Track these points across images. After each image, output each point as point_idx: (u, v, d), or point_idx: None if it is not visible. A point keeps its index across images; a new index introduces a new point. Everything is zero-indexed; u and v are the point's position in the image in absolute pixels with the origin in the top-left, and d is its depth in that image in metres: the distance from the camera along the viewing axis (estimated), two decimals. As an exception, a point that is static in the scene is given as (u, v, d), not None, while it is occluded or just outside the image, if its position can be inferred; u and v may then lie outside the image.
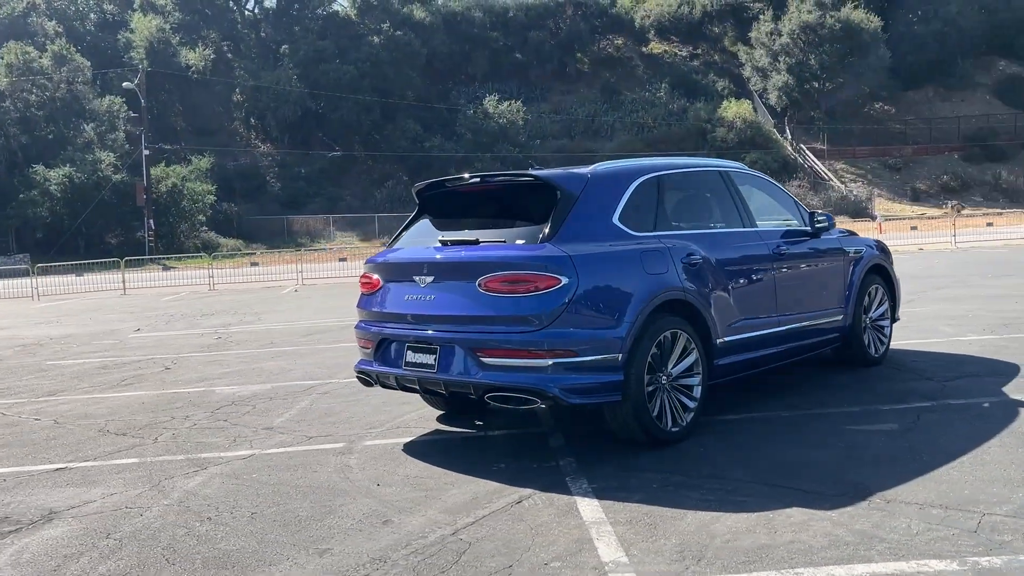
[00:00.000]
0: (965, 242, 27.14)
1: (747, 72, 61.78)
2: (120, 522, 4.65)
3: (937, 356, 8.03)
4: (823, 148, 57.18)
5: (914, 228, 33.78)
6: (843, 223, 35.23)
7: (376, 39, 57.14)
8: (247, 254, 38.99)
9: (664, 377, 5.47)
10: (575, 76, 65.88)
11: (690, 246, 5.81)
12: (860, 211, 47.80)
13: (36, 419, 7.50)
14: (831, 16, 55.82)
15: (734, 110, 56.56)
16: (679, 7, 67.27)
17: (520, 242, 5.36)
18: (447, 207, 6.20)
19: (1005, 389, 6.53)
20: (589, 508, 4.47)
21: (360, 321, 6.21)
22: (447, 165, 53.24)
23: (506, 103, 56.77)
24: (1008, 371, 7.16)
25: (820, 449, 5.29)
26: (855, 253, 7.51)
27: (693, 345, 5.64)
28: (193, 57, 57.08)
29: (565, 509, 4.49)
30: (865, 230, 27.53)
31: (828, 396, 6.68)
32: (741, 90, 61.69)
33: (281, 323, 14.56)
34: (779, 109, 59.89)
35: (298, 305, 18.20)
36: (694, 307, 5.67)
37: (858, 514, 4.16)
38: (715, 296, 5.87)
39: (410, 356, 5.60)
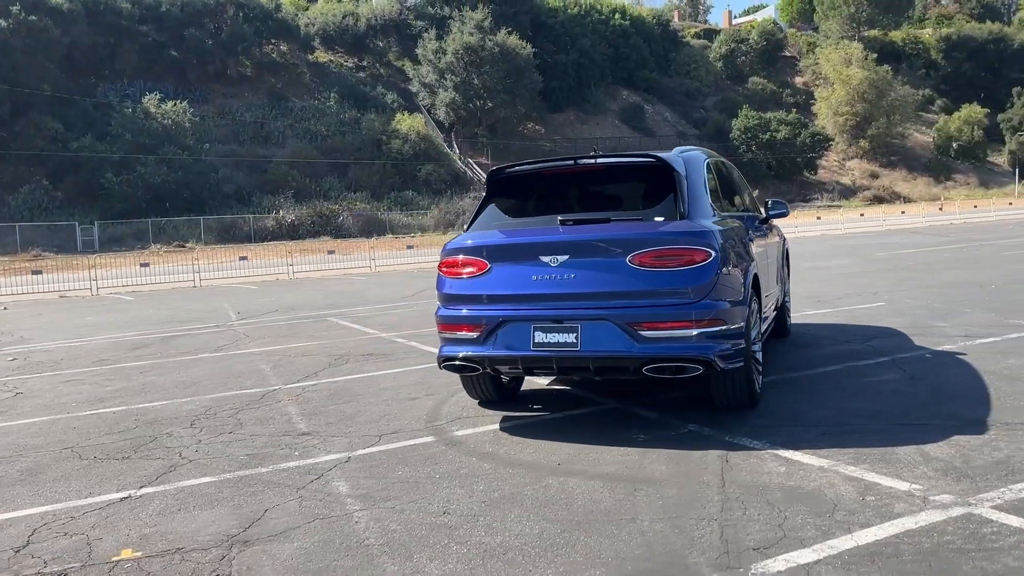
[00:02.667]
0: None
1: (415, 87, 63.95)
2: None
3: (819, 326, 9.37)
4: (487, 162, 61.08)
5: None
6: None
7: (4, 22, 49.13)
8: None
9: (755, 344, 5.87)
10: (238, 79, 62.84)
11: (744, 225, 6.31)
12: (529, 220, 51.95)
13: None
14: (490, 40, 60.05)
15: (408, 123, 58.18)
16: (344, 18, 67.56)
17: (659, 219, 5.39)
18: (537, 190, 6.03)
19: (919, 344, 7.91)
20: (803, 457, 4.67)
21: (452, 306, 5.70)
22: (101, 167, 47.63)
23: (170, 103, 52.35)
24: (895, 332, 8.64)
25: (869, 397, 6.01)
26: (781, 235, 8.54)
27: (759, 314, 6.11)
28: None
29: (786, 461, 4.64)
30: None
31: (798, 361, 7.51)
32: (410, 104, 63.63)
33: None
34: (447, 124, 62.91)
35: None
36: (758, 280, 6.14)
37: (1008, 434, 4.91)
38: (759, 271, 6.40)
39: (540, 337, 5.30)
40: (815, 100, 70.74)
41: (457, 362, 5.64)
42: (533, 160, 6.06)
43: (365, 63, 69.30)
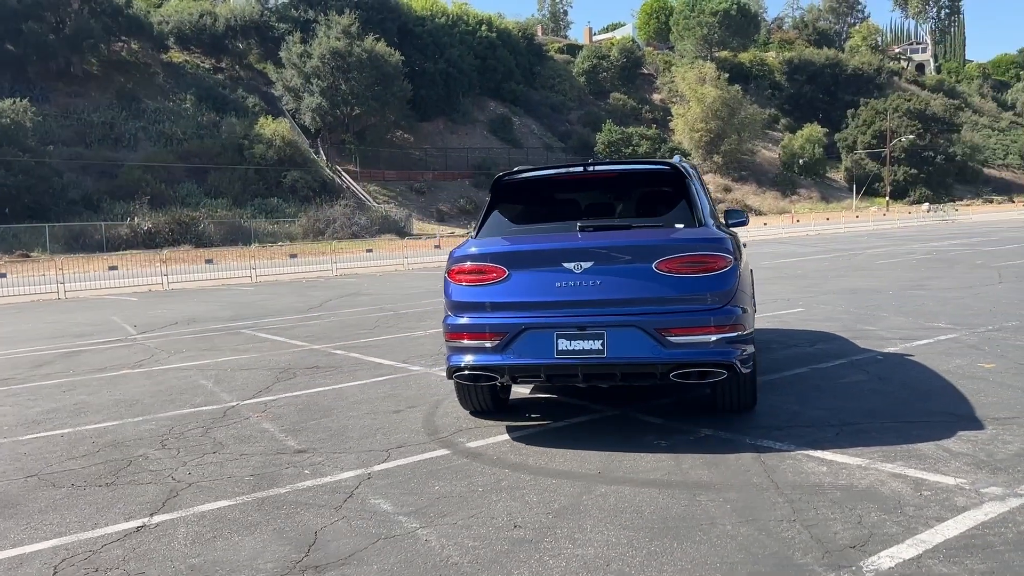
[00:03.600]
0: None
1: (279, 91, 61.97)
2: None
3: (759, 331, 9.71)
4: (356, 170, 60.08)
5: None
6: (391, 242, 37.49)
7: None
8: None
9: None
10: (84, 78, 58.71)
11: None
12: (401, 230, 51.45)
13: None
14: (358, 45, 59.09)
15: (272, 128, 56.23)
16: (201, 17, 64.63)
17: (679, 226, 5.42)
18: (546, 196, 5.94)
19: (864, 347, 8.35)
20: (835, 457, 4.81)
21: (465, 314, 5.48)
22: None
23: (8, 101, 48.24)
24: (834, 336, 9.09)
25: (854, 397, 6.28)
26: None
27: None
28: None
29: (822, 461, 4.76)
30: (399, 247, 29.98)
31: (763, 365, 7.73)
32: (273, 108, 61.58)
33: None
34: (313, 130, 61.28)
35: None
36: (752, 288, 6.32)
37: (1006, 428, 5.25)
38: None
39: (564, 344, 5.19)
40: (672, 116, 73.90)
41: (471, 372, 5.44)
42: (542, 166, 5.99)
43: (224, 64, 66.48)
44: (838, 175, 76.04)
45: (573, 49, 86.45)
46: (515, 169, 6.01)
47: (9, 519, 4.46)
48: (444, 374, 7.76)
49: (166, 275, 23.50)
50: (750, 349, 5.43)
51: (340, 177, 59.01)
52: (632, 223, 5.57)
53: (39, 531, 4.26)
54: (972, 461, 4.63)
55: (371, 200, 57.36)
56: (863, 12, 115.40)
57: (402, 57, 61.77)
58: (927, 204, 62.54)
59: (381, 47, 60.48)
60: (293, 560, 3.74)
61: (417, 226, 54.98)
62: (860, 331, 9.22)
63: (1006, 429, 5.20)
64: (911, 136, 68.56)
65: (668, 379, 5.16)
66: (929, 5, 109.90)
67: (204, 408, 7.00)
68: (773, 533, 3.79)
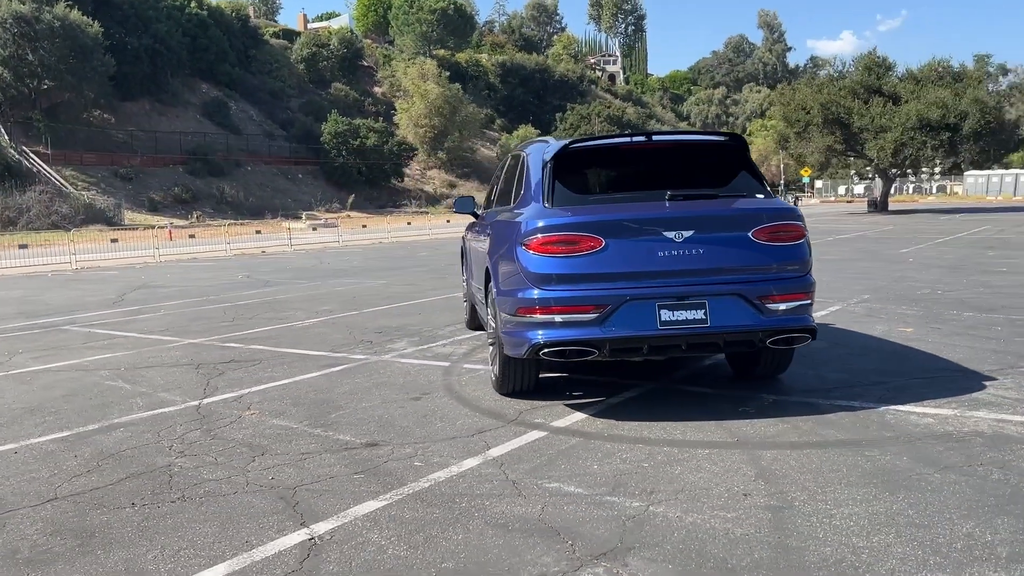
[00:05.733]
0: (269, 247, 29.38)
1: (-56, 56, 52.49)
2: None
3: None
4: (47, 152, 52.85)
5: (192, 236, 34.69)
6: (94, 232, 33.55)
7: None
8: None
9: None
10: None
11: None
12: (110, 220, 46.23)
13: None
14: (48, 11, 51.99)
15: (-61, 98, 47.60)
16: None
17: (759, 196, 5.49)
18: (609, 166, 5.80)
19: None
20: (921, 409, 5.17)
21: (556, 287, 5.09)
22: None
23: None
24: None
25: (851, 360, 6.80)
26: None
27: None
28: None
29: (917, 414, 5.09)
30: (145, 237, 27.77)
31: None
32: (-64, 76, 52.05)
33: None
34: (-7, 104, 52.76)
35: None
36: None
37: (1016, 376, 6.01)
38: None
39: (666, 315, 5.03)
40: (396, 111, 74.12)
41: (563, 347, 5.08)
42: (600, 136, 5.83)
43: None
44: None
45: (290, 35, 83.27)
46: (575, 138, 5.79)
47: (78, 558, 3.36)
48: (405, 360, 7.23)
49: None
50: None
51: (28, 160, 51.47)
52: (718, 192, 5.54)
53: (140, 568, 3.27)
54: (1033, 403, 5.24)
55: (68, 186, 50.71)
56: (561, 22, 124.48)
57: (101, 29, 55.36)
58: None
59: (76, 16, 53.74)
60: (576, 556, 3.24)
61: (128, 216, 49.67)
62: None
63: (1016, 376, 5.92)
64: (617, 140, 75.16)
65: (766, 346, 5.22)
66: (619, 20, 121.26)
67: (165, 410, 5.79)
68: (982, 476, 3.99)
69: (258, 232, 39.77)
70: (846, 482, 3.99)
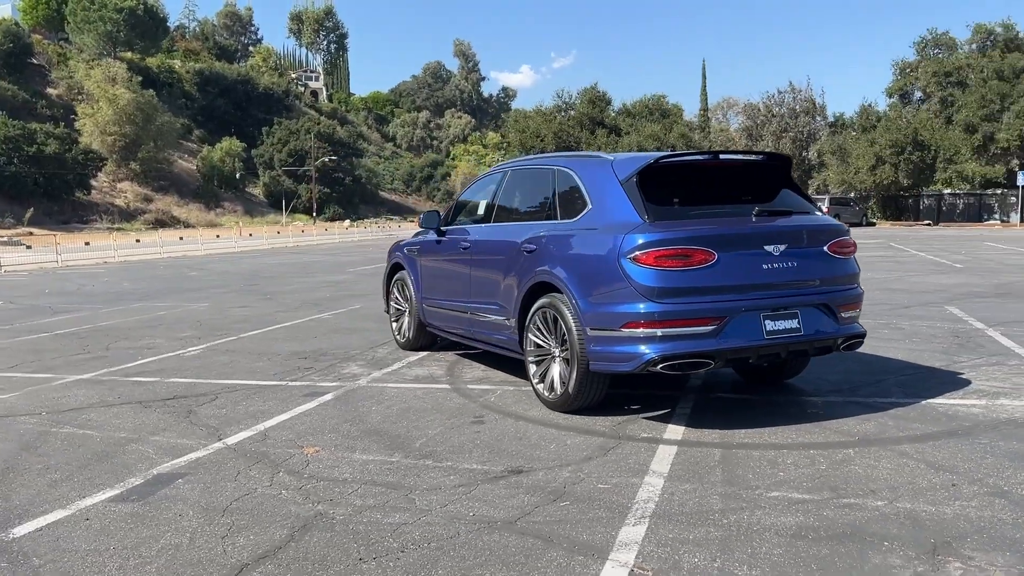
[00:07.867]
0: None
1: None
2: None
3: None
4: None
5: None
6: None
7: None
8: None
9: None
10: None
11: None
12: None
13: None
14: None
15: None
16: None
17: (818, 212, 5.88)
18: (685, 181, 5.86)
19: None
20: (962, 401, 5.83)
21: (670, 300, 5.09)
22: None
23: None
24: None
25: (837, 363, 7.41)
26: None
27: None
28: None
29: (964, 406, 5.72)
30: None
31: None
32: None
33: None
34: None
35: None
36: None
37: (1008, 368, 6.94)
38: None
39: (770, 325, 5.27)
40: (77, 116, 66.24)
41: (683, 360, 5.06)
42: (680, 152, 5.97)
43: None
44: (257, 190, 77.59)
45: (-66, 21, 70.76)
46: (659, 154, 5.83)
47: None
48: (392, 384, 6.76)
49: None
50: None
51: None
52: (790, 209, 5.80)
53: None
54: (1033, 388, 6.13)
55: None
56: (257, 33, 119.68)
57: None
58: (348, 220, 68.22)
59: None
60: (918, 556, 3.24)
61: None
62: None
63: (992, 370, 6.83)
64: (334, 158, 73.78)
65: (838, 349, 5.60)
66: (320, 37, 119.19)
67: (196, 455, 4.71)
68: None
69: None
70: (1008, 462, 4.40)
